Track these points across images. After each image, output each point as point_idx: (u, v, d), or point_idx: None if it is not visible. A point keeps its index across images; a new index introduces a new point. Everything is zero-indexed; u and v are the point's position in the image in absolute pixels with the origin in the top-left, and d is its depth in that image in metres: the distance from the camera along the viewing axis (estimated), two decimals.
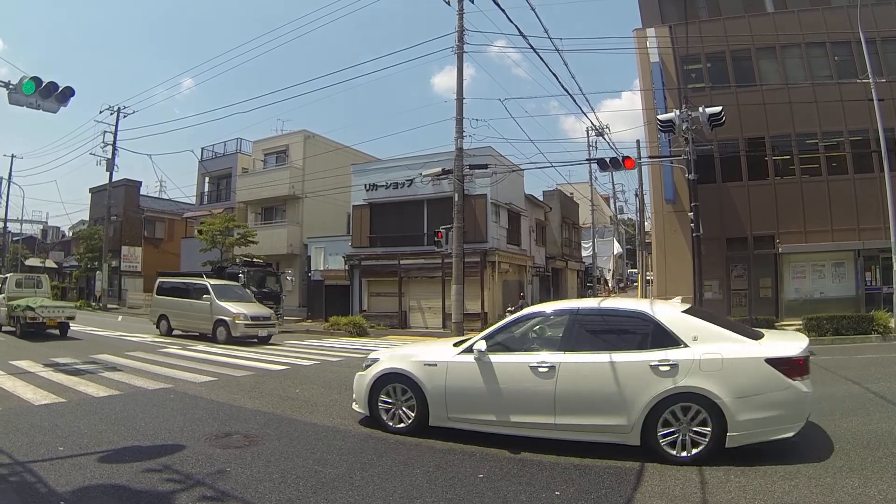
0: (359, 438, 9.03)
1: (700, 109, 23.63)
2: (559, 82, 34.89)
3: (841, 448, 7.91)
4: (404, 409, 9.32)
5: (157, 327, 28.66)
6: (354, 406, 10.01)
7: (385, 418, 9.44)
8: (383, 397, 9.51)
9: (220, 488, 6.64)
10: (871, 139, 28.80)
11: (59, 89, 14.13)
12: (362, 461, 7.77)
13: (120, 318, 42.19)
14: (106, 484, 6.74)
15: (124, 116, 51.97)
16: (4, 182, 73.61)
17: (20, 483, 6.79)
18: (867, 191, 29.25)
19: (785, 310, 29.85)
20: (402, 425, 9.29)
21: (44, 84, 13.84)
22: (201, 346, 23.15)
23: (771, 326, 23.13)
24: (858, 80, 26.82)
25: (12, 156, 74.47)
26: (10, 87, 13.75)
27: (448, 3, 28.93)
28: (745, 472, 6.95)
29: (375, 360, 9.85)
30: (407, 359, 9.58)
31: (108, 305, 52.66)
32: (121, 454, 8.00)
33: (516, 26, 22.66)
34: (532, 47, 27.31)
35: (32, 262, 75.88)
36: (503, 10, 21.57)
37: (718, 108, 23.60)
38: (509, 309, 32.93)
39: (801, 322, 24.09)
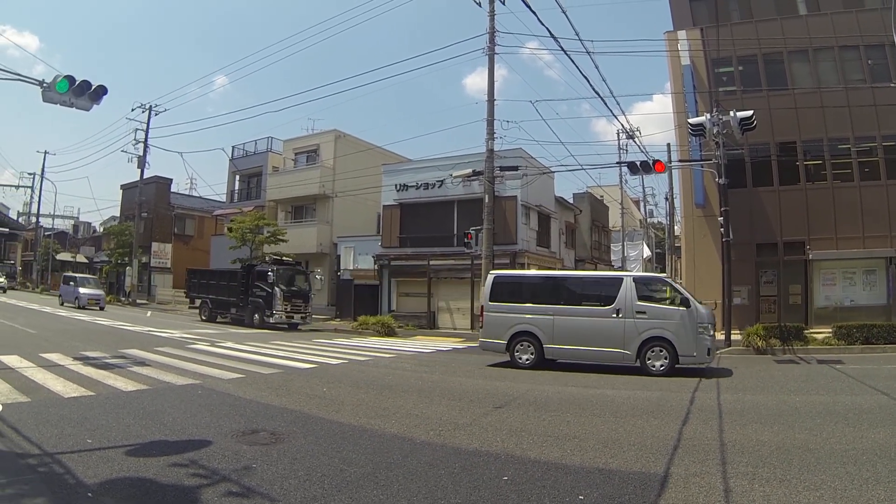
0: (385, 438, 9.04)
1: (731, 113, 23.41)
2: (590, 85, 35.12)
3: (867, 459, 7.82)
4: None
5: None
6: None
7: None
8: None
9: (245, 484, 6.68)
10: None
11: (93, 88, 14.26)
12: (388, 461, 7.78)
13: (149, 313, 42.58)
14: (133, 477, 6.81)
15: (156, 114, 52.91)
16: (37, 178, 74.76)
17: (49, 474, 6.87)
18: None
19: (815, 317, 29.46)
20: None
21: (77, 83, 13.98)
22: (230, 343, 23.33)
23: (800, 334, 23.01)
24: (892, 84, 26.60)
25: (45, 152, 75.88)
26: (45, 85, 13.89)
27: (479, 5, 28.98)
28: (769, 482, 6.89)
29: None
30: None
31: (138, 301, 53.38)
32: (148, 448, 8.06)
33: (547, 28, 22.56)
34: (563, 49, 27.28)
35: (64, 256, 76.90)
36: (534, 12, 21.59)
37: (750, 112, 23.34)
38: None
39: (830, 330, 23.84)
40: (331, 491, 6.53)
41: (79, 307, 43.08)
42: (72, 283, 47.38)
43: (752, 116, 23.19)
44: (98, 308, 43.56)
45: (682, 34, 33.27)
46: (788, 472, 7.24)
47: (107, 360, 16.68)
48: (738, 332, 24.89)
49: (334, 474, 7.13)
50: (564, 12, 21.98)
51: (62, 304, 45.99)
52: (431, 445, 8.64)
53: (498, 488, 6.78)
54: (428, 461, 7.82)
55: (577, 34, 27.44)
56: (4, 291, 63.08)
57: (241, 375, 15.13)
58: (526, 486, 6.87)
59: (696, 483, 6.90)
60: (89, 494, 6.24)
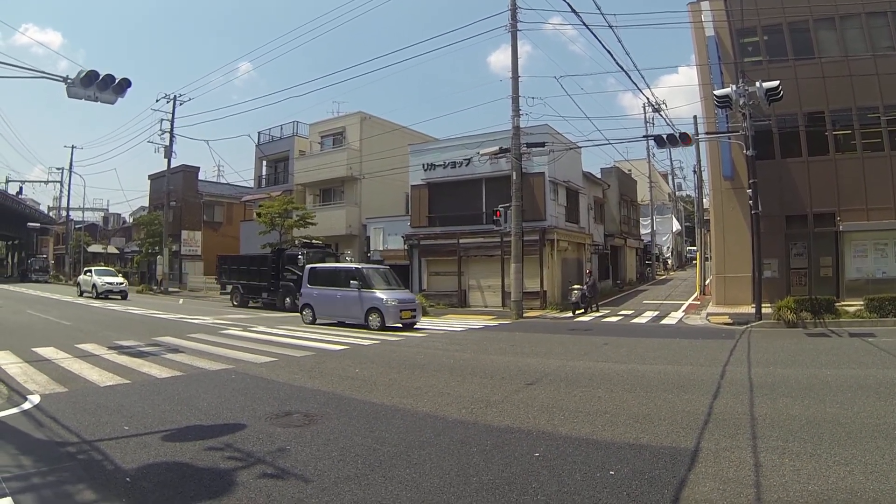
0: (417, 417, 9.16)
1: (757, 84, 23.14)
2: (613, 59, 35.19)
3: None
4: None
5: None
6: None
7: None
8: None
9: (280, 466, 6.81)
10: None
11: (116, 81, 14.38)
12: (420, 440, 7.89)
13: (181, 301, 42.82)
14: (170, 462, 6.95)
15: (180, 104, 53.11)
16: (66, 173, 75.71)
17: (88, 461, 7.03)
18: None
19: (846, 290, 29.03)
20: None
21: (101, 77, 14.11)
22: (262, 327, 23.54)
23: (831, 307, 22.81)
24: None
25: (72, 147, 76.93)
26: (69, 81, 14.04)
27: None
28: (799, 456, 6.91)
29: None
30: None
31: (170, 289, 53.67)
32: (184, 433, 8.23)
33: (568, 3, 22.52)
34: (584, 24, 27.40)
35: (95, 248, 77.73)
36: None
37: (776, 83, 23.03)
38: (575, 286, 32.80)
39: (862, 303, 23.60)
40: (364, 470, 6.65)
41: (381, 326, 23.17)
42: (355, 280, 24.64)
43: (778, 87, 22.92)
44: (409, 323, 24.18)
45: (705, 5, 32.76)
46: (819, 447, 7.25)
47: (141, 349, 16.93)
48: (769, 305, 24.66)
49: (367, 454, 7.24)
50: None
51: (311, 322, 25.76)
52: (463, 423, 8.75)
53: (529, 464, 6.87)
54: (460, 439, 7.93)
55: (599, 7, 27.21)
56: (125, 297, 42.99)
57: (273, 359, 15.32)
58: (557, 461, 6.94)
59: (727, 457, 6.95)
60: (127, 480, 6.38)
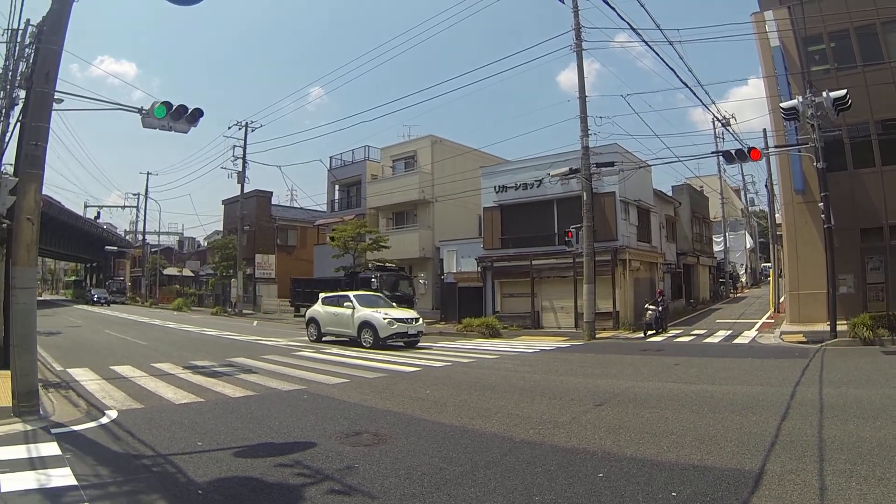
0: (485, 438, 9.20)
1: (824, 94, 22.79)
2: (676, 75, 35.45)
3: None
4: None
5: None
6: None
7: None
8: None
9: (347, 483, 6.94)
10: None
11: (189, 111, 14.72)
12: (486, 459, 7.94)
13: (255, 323, 43.39)
14: (241, 476, 7.18)
15: (252, 130, 54.35)
16: (141, 198, 78.14)
17: (162, 473, 7.34)
18: None
19: None
20: None
21: (174, 108, 14.46)
22: (335, 350, 23.75)
23: None
24: None
25: (147, 173, 79.61)
26: (143, 112, 14.41)
27: (562, 2, 29.03)
28: (867, 480, 6.78)
29: None
30: None
31: (244, 311, 54.52)
32: (255, 450, 8.44)
33: (628, 23, 22.92)
34: (645, 42, 27.33)
35: (170, 271, 79.86)
36: (612, 7, 21.68)
37: (843, 92, 22.50)
38: (650, 307, 32.44)
39: None
40: (430, 489, 6.75)
41: None
42: None
43: (846, 96, 22.45)
44: None
45: (769, 14, 32.30)
46: (888, 471, 7.10)
47: (215, 369, 17.38)
48: (845, 322, 24.15)
49: (434, 473, 7.34)
50: (643, 5, 22.02)
51: None
52: (530, 444, 8.77)
53: (592, 485, 6.88)
54: (526, 459, 7.96)
55: (658, 25, 27.28)
56: (413, 345, 25.58)
57: (345, 380, 15.51)
58: (620, 482, 6.96)
59: (791, 480, 6.87)
60: (199, 492, 6.64)
